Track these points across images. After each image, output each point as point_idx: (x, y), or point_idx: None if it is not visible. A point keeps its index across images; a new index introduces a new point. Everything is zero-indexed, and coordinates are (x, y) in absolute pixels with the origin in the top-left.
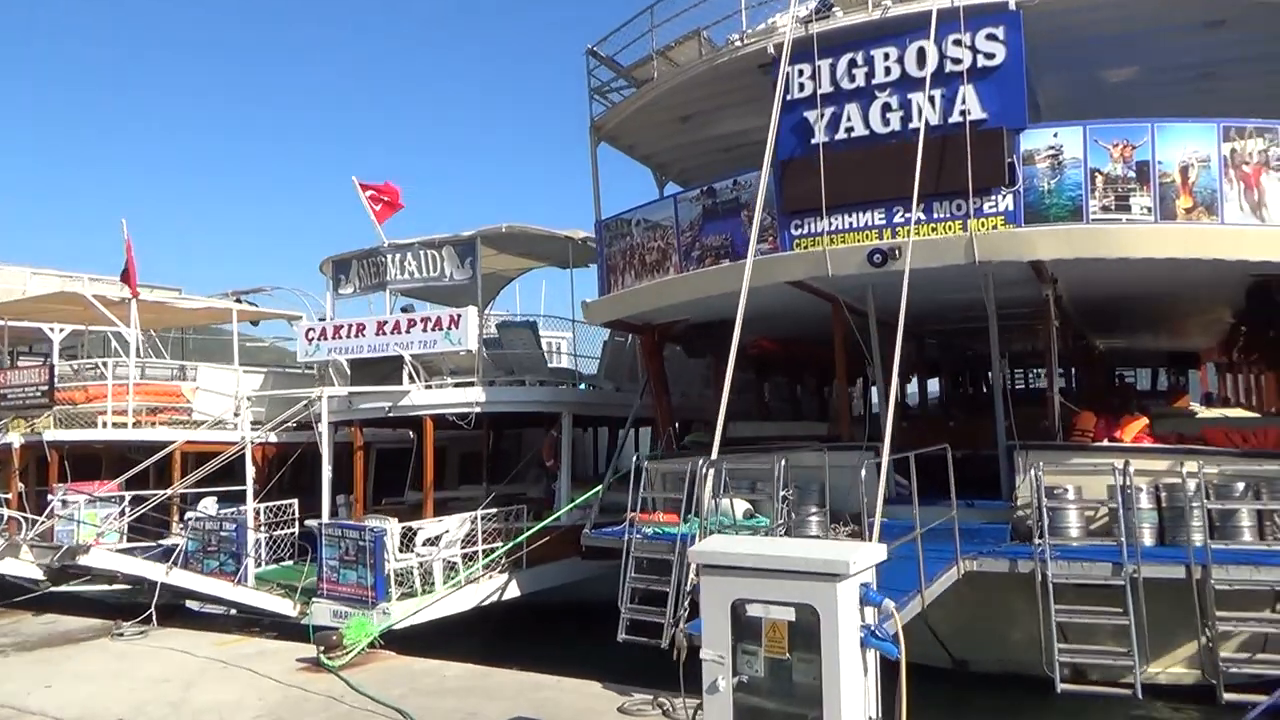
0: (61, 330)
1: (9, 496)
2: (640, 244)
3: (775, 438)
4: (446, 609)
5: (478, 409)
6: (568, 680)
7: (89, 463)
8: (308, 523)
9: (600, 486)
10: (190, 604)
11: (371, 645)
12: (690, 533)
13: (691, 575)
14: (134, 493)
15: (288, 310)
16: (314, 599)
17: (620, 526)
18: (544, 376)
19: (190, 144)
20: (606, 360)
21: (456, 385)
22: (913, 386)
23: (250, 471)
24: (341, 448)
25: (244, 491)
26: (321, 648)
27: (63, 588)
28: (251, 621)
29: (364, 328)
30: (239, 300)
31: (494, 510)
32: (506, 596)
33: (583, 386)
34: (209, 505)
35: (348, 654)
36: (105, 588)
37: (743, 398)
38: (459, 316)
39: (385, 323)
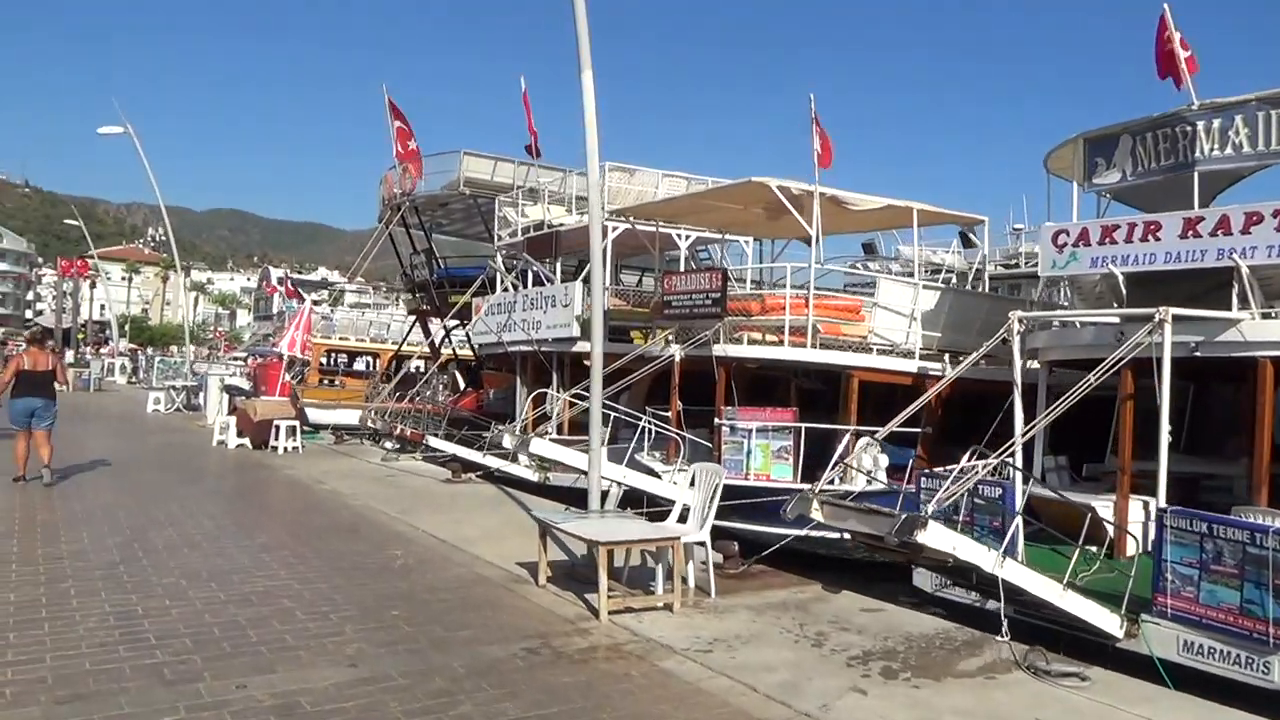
0: (688, 238)
1: (669, 414)
2: None
3: None
4: None
5: None
6: None
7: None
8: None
9: None
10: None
11: None
12: None
13: None
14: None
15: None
16: (1146, 617)
17: None
18: None
19: None
20: None
21: None
22: None
23: (1020, 419)
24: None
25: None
26: None
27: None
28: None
29: (1159, 226)
30: None
31: None
32: None
33: None
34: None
35: None
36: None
37: None
38: None
39: (1199, 219)
